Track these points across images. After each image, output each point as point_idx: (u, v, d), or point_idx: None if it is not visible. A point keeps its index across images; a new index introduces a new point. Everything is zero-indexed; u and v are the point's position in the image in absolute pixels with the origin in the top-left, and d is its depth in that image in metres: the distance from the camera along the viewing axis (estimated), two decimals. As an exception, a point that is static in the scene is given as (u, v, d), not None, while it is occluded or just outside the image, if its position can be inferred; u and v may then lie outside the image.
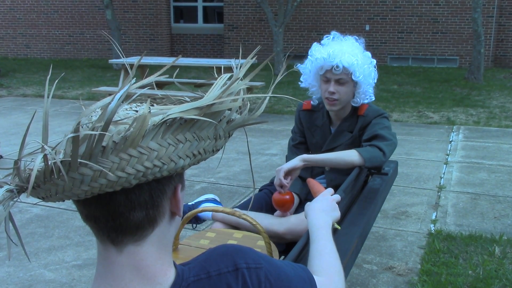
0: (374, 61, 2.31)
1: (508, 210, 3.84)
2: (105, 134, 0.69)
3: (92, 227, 0.80)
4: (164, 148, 0.74)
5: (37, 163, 0.69)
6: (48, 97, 0.73)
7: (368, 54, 2.30)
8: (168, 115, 0.74)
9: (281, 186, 2.11)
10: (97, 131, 0.69)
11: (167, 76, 0.84)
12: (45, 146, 0.70)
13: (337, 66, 2.19)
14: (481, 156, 5.25)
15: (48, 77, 0.78)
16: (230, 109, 0.81)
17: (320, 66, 2.24)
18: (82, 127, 0.74)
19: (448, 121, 6.82)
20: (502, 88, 9.16)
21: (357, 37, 2.32)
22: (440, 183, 4.42)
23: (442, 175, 4.64)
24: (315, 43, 2.31)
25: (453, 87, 9.26)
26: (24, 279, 2.84)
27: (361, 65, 2.22)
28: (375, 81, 2.32)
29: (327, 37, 2.31)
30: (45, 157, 0.69)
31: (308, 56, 2.31)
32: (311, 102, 2.45)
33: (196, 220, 2.32)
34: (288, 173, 2.11)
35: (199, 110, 0.76)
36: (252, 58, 0.86)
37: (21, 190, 0.74)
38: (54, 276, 2.88)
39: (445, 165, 4.94)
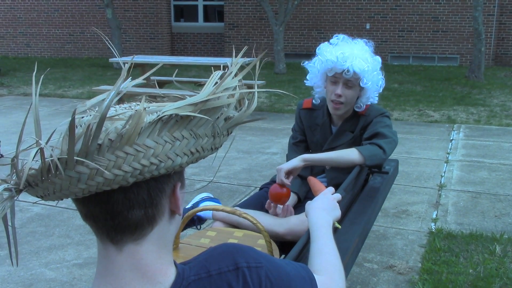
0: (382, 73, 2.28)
1: (508, 208, 3.84)
2: (100, 131, 0.68)
3: (91, 226, 0.80)
4: (160, 145, 0.73)
5: (32, 157, 0.69)
6: (35, 93, 0.72)
7: (378, 59, 2.27)
8: (164, 111, 0.73)
9: (282, 185, 2.10)
10: (91, 128, 0.68)
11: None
12: (40, 141, 0.70)
13: (348, 70, 2.17)
14: (481, 154, 5.24)
15: (34, 73, 0.78)
16: (228, 105, 0.81)
17: (330, 68, 2.21)
18: (80, 126, 0.74)
19: (448, 120, 6.81)
20: (503, 87, 9.15)
21: (366, 41, 2.29)
22: (440, 182, 4.41)
23: (443, 174, 4.63)
24: (326, 42, 2.26)
25: (454, 86, 9.25)
26: (25, 278, 2.84)
27: (370, 72, 2.20)
28: (381, 89, 2.30)
29: (336, 37, 2.28)
30: (41, 155, 0.69)
31: (317, 55, 2.27)
32: (313, 100, 2.44)
33: (199, 221, 2.31)
34: (288, 173, 2.11)
35: (194, 106, 0.75)
36: (242, 57, 0.86)
37: (19, 189, 0.73)
38: (55, 275, 2.88)
39: (445, 164, 4.93)
